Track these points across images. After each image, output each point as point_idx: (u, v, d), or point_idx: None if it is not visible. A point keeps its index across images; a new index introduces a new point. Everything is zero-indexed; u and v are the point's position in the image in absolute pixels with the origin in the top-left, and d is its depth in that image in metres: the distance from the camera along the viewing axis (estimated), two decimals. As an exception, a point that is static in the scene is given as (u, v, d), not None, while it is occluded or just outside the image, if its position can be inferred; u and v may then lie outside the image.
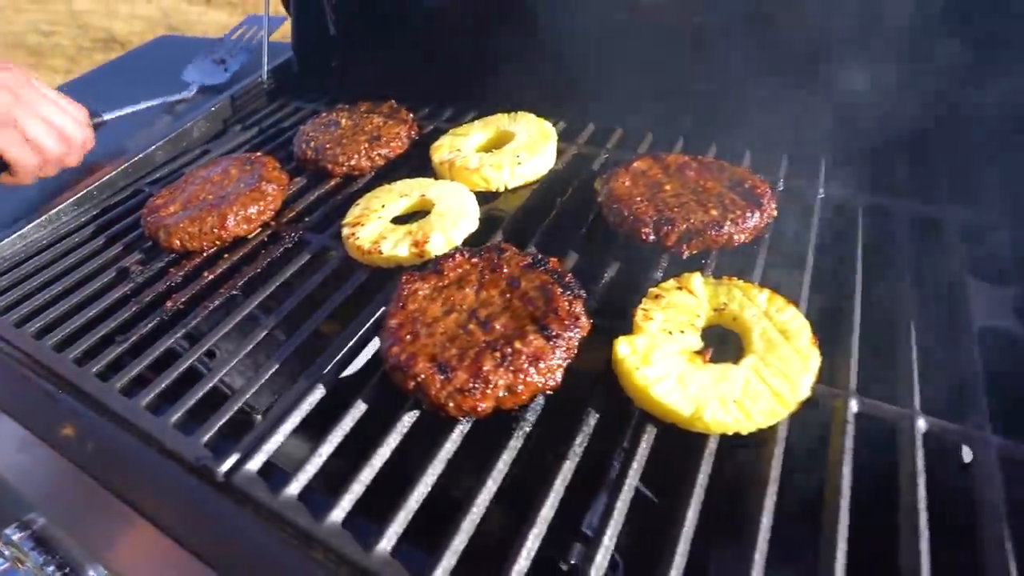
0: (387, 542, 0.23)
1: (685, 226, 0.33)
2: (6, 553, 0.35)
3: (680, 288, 0.30)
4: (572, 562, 0.28)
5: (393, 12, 0.59)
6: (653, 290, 0.30)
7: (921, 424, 0.25)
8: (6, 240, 0.46)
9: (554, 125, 0.48)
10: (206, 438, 0.29)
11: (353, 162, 0.46)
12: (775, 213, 0.35)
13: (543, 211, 0.40)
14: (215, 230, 0.40)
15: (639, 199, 0.35)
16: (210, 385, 0.32)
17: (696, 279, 0.31)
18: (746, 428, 0.25)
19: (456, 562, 0.23)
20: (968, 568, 0.21)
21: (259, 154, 0.47)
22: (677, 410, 0.24)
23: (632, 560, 0.29)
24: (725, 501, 0.26)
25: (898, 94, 0.39)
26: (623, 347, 0.26)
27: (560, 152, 0.45)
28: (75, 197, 0.49)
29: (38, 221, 0.47)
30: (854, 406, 0.26)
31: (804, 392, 0.26)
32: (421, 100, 0.56)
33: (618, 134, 0.47)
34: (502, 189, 0.42)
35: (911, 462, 0.24)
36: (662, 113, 0.47)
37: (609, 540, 0.23)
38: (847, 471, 0.24)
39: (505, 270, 0.30)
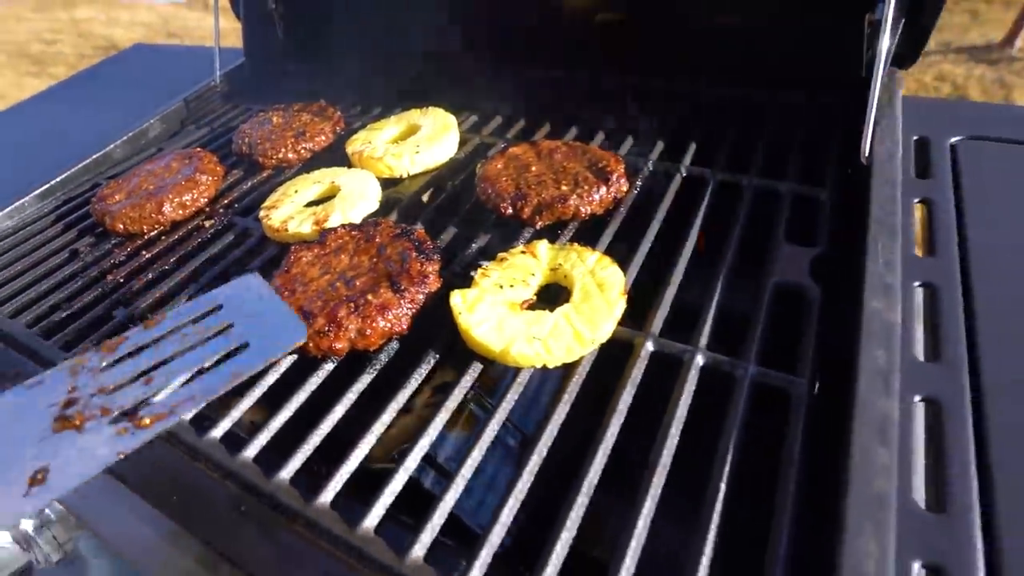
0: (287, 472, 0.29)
1: (537, 200, 0.38)
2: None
3: (525, 252, 0.36)
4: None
5: (337, 17, 0.65)
6: (501, 254, 0.36)
7: (699, 359, 0.30)
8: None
9: (466, 119, 0.53)
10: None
11: (280, 155, 0.51)
12: (624, 189, 0.40)
13: (437, 194, 0.46)
14: (152, 215, 0.46)
15: (504, 179, 0.41)
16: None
17: (542, 245, 0.36)
18: (550, 362, 0.30)
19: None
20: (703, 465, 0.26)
21: (198, 149, 0.52)
22: (490, 347, 0.30)
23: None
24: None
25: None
26: (455, 298, 0.32)
27: (464, 142, 0.51)
28: (39, 191, 0.55)
29: (6, 211, 0.53)
30: (650, 345, 0.31)
31: (604, 334, 0.31)
32: (358, 100, 0.61)
33: (520, 124, 0.53)
34: (405, 176, 0.47)
35: (682, 387, 0.29)
36: (561, 107, 0.52)
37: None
38: (627, 395, 0.29)
39: (377, 240, 0.36)
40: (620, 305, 0.32)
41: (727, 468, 0.25)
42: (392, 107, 0.58)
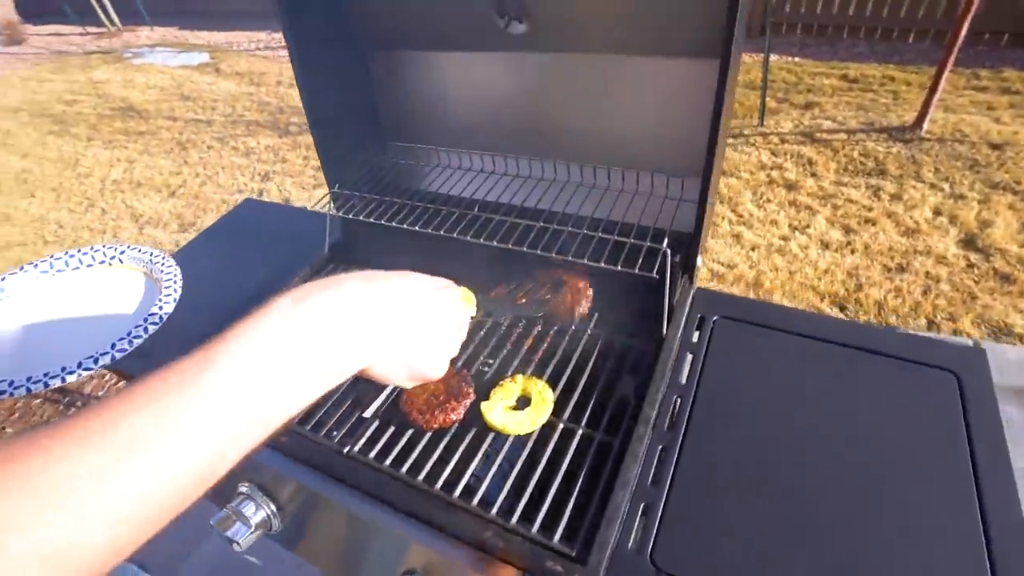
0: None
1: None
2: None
3: (512, 380, 0.81)
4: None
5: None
6: (501, 382, 0.80)
7: (580, 432, 0.75)
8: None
9: (475, 290, 0.99)
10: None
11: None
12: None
13: (467, 342, 0.91)
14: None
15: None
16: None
17: (520, 376, 0.81)
18: (523, 431, 0.74)
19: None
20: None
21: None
22: (497, 426, 0.74)
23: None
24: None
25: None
26: (483, 405, 0.76)
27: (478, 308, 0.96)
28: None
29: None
30: (561, 426, 0.76)
31: (543, 420, 0.76)
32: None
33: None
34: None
35: (570, 442, 0.74)
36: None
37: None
38: (550, 449, 0.74)
39: (444, 376, 0.81)
40: (549, 407, 0.77)
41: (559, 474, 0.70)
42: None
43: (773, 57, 4.85)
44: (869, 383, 0.77)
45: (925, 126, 3.66)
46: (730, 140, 3.78)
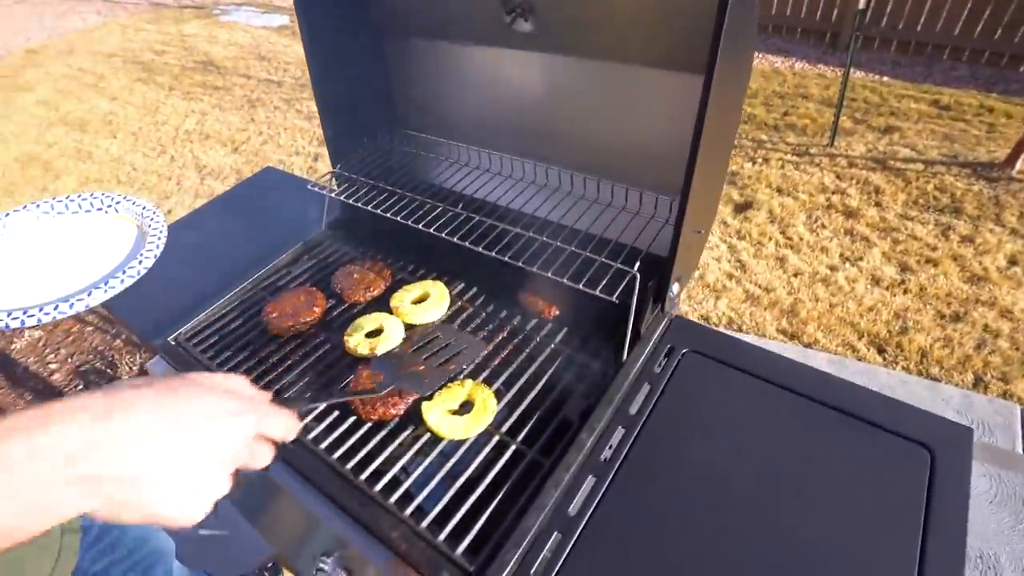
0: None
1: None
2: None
3: (460, 384, 0.80)
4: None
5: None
6: (448, 384, 0.80)
7: (513, 446, 0.74)
8: (200, 315, 1.00)
9: (453, 287, 0.99)
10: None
11: (356, 297, 0.98)
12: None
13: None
14: (290, 327, 0.93)
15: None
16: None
17: (468, 382, 0.80)
18: (458, 436, 0.74)
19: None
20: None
21: (314, 288, 0.99)
22: (433, 427, 0.74)
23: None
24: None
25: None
26: (424, 404, 0.76)
27: (452, 303, 0.96)
28: (228, 296, 1.02)
29: (216, 304, 1.01)
30: (497, 437, 0.75)
31: (482, 427, 0.75)
32: (404, 262, 1.07)
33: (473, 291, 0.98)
34: (417, 323, 0.93)
35: (501, 454, 0.73)
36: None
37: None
38: (481, 458, 0.73)
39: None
40: (490, 416, 0.76)
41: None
42: (423, 272, 1.04)
43: (859, 74, 4.53)
44: (832, 444, 0.71)
45: (1018, 165, 3.34)
46: (793, 158, 3.58)
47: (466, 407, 0.78)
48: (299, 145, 4.11)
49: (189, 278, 1.06)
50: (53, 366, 2.32)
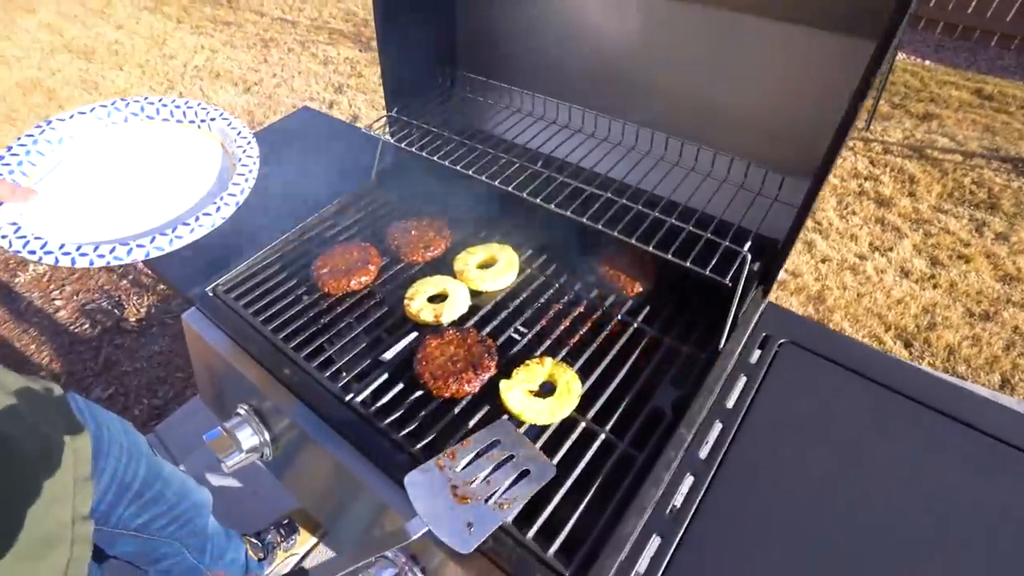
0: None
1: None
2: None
3: (539, 363, 0.72)
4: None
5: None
6: (527, 361, 0.72)
7: (603, 436, 0.67)
8: (241, 265, 0.90)
9: (522, 252, 0.90)
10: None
11: (414, 257, 0.89)
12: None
13: (502, 306, 0.83)
14: (344, 286, 0.84)
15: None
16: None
17: (547, 360, 0.73)
18: (541, 421, 0.67)
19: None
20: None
21: (368, 245, 0.90)
22: (513, 410, 0.67)
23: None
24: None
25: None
26: (502, 384, 0.69)
27: (521, 270, 0.87)
28: (269, 247, 0.93)
29: (250, 260, 0.91)
30: (583, 424, 0.68)
31: (566, 413, 0.67)
32: (466, 221, 0.97)
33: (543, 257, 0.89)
34: (485, 290, 0.84)
35: (592, 443, 0.66)
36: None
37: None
38: (567, 447, 0.66)
39: (468, 341, 0.73)
40: (573, 403, 0.68)
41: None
42: (485, 235, 0.95)
43: (900, 56, 4.35)
44: (951, 458, 0.65)
45: (1060, 164, 3.25)
46: (828, 139, 3.46)
47: (546, 389, 0.71)
48: (314, 91, 3.93)
49: (224, 224, 0.96)
50: (58, 303, 2.23)
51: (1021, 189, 3.16)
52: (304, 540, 1.42)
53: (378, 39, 0.92)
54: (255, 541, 1.30)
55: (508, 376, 0.70)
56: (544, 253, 0.90)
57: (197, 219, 0.78)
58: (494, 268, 0.85)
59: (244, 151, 0.89)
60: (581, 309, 0.80)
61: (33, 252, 0.71)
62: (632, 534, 0.57)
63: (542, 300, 0.83)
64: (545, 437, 0.66)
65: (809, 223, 3.03)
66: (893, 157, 3.43)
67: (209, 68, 4.22)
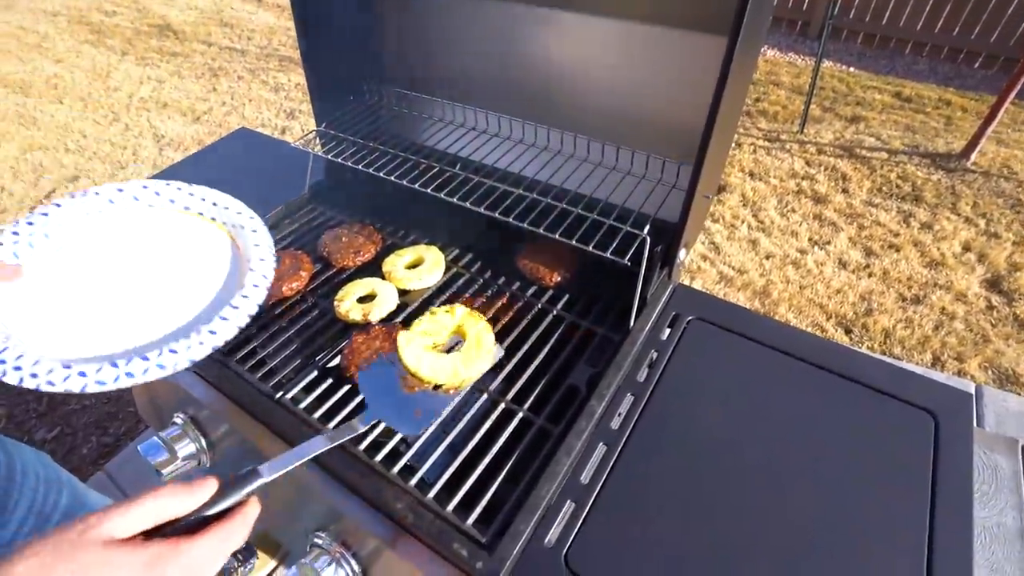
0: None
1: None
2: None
3: (448, 311, 0.75)
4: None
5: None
6: (433, 309, 0.74)
7: (521, 414, 0.71)
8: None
9: (448, 252, 0.94)
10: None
11: (345, 262, 0.92)
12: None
13: (429, 302, 0.87)
14: (276, 292, 0.87)
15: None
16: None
17: (459, 309, 0.74)
18: (440, 381, 0.67)
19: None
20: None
21: (300, 252, 0.93)
22: (412, 368, 0.66)
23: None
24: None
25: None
26: (401, 335, 0.69)
27: (448, 269, 0.92)
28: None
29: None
30: (502, 404, 0.72)
31: (476, 373, 0.64)
32: (395, 226, 1.02)
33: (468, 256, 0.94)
34: (412, 288, 0.88)
35: (507, 423, 0.70)
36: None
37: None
38: (487, 426, 0.69)
39: (392, 335, 0.77)
40: (483, 362, 0.70)
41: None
42: (414, 237, 0.99)
43: (827, 64, 4.62)
44: (839, 410, 0.71)
45: (972, 157, 3.49)
46: (765, 144, 3.63)
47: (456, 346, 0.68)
48: (265, 117, 3.93)
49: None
50: None
51: (940, 181, 3.38)
52: (263, 564, 1.41)
53: (302, 56, 0.97)
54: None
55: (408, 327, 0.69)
56: (469, 252, 0.95)
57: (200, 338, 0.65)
58: (421, 268, 0.89)
59: (255, 242, 0.77)
60: (504, 300, 0.85)
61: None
62: (545, 499, 0.61)
63: (467, 295, 0.87)
64: (468, 417, 0.70)
65: (753, 222, 3.17)
66: (826, 157, 3.62)
67: (156, 99, 4.19)
